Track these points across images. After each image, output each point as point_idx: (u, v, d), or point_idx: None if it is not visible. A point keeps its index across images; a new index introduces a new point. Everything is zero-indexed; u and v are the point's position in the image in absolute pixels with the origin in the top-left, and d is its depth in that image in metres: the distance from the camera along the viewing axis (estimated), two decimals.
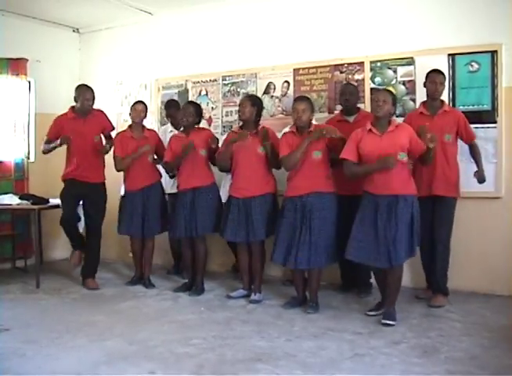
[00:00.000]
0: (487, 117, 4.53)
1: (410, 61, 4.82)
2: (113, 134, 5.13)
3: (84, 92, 4.83)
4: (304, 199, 4.06)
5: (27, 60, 5.99)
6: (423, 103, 4.33)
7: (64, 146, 4.85)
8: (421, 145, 3.78)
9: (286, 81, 5.41)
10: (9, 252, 5.86)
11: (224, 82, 5.77)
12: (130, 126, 4.97)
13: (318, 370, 3.00)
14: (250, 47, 5.59)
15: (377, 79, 4.98)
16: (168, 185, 5.17)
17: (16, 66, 5.92)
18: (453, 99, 4.64)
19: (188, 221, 4.61)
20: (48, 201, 5.28)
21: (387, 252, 3.69)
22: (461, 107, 4.57)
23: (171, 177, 5.07)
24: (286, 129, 4.33)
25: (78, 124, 4.80)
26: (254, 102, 4.47)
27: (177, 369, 3.03)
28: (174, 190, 5.06)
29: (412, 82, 4.79)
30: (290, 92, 5.38)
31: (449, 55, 4.65)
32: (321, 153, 4.08)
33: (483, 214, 4.52)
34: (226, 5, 5.71)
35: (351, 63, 5.08)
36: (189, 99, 5.86)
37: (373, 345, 3.36)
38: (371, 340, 3.46)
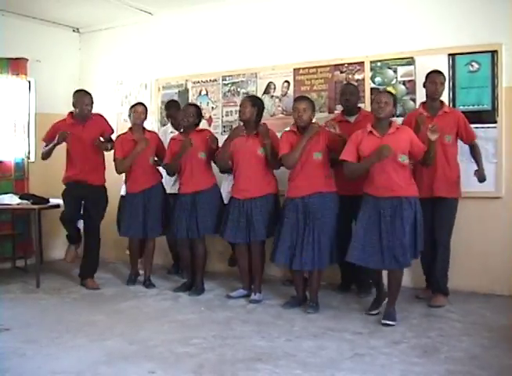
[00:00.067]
0: (487, 117, 4.53)
1: (410, 61, 4.82)
2: (114, 136, 5.13)
3: (82, 97, 4.82)
4: (306, 200, 4.06)
5: (27, 60, 5.99)
6: (423, 103, 4.32)
7: (63, 149, 4.85)
8: (422, 146, 3.78)
9: (287, 81, 5.42)
10: (9, 252, 5.87)
11: (224, 82, 5.77)
12: (130, 128, 4.96)
13: (318, 369, 3.00)
14: (250, 47, 5.59)
15: (377, 79, 4.98)
16: (168, 185, 5.17)
17: (16, 66, 5.92)
18: (453, 99, 4.64)
19: (189, 222, 4.61)
20: (48, 201, 5.28)
21: (392, 254, 3.69)
22: (461, 107, 4.58)
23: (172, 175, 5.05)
24: (287, 129, 4.33)
25: (78, 130, 4.79)
26: (255, 102, 4.47)
27: (177, 369, 3.03)
28: (174, 190, 5.07)
29: (413, 82, 4.79)
30: (291, 91, 5.38)
31: (449, 55, 4.65)
32: (321, 154, 4.08)
33: (483, 214, 4.52)
34: (226, 5, 5.71)
35: (351, 63, 5.08)
36: (189, 99, 5.89)
37: (373, 345, 3.36)
38: (371, 340, 3.46)
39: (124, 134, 4.99)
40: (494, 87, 4.51)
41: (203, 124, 5.12)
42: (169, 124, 5.51)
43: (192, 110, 4.70)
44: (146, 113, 4.96)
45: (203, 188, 4.64)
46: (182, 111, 4.80)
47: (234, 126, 4.59)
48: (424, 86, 4.29)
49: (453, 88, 4.64)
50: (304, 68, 5.32)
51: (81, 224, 5.07)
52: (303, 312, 4.09)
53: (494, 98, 4.51)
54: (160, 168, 5.04)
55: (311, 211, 4.04)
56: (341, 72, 5.13)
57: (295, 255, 4.04)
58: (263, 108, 4.58)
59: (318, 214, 4.03)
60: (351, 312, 4.08)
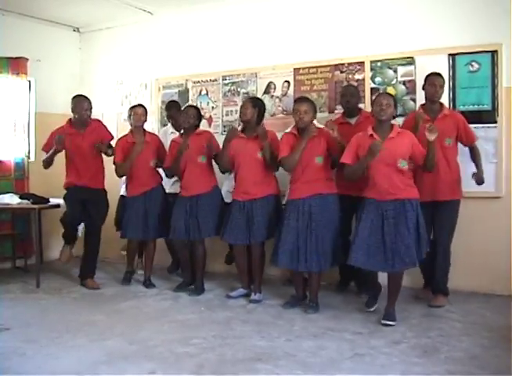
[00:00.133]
0: (487, 117, 4.53)
1: (410, 61, 4.82)
2: (114, 135, 5.14)
3: (81, 102, 4.81)
4: (307, 201, 4.06)
5: (27, 60, 5.98)
6: (422, 105, 4.31)
7: (68, 152, 4.85)
8: (422, 150, 3.76)
9: (287, 81, 5.41)
10: (9, 252, 5.87)
11: (224, 82, 5.77)
12: (131, 131, 4.95)
13: (318, 369, 3.00)
14: (250, 47, 5.59)
15: (378, 79, 4.98)
16: (168, 184, 5.16)
17: (16, 65, 5.91)
18: (453, 99, 4.64)
19: (189, 223, 4.61)
20: (48, 201, 5.28)
21: (398, 256, 3.68)
22: (461, 107, 4.58)
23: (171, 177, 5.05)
24: (287, 131, 4.32)
25: (77, 139, 4.79)
26: (256, 103, 4.46)
27: (177, 369, 3.03)
28: (174, 190, 5.07)
29: (413, 82, 4.79)
30: (291, 91, 5.38)
31: (450, 55, 4.65)
32: (323, 158, 4.07)
33: (483, 214, 4.52)
34: (226, 4, 5.71)
35: (351, 63, 5.08)
36: (189, 99, 5.89)
37: (373, 345, 3.36)
38: (371, 340, 3.46)
39: (124, 137, 4.98)
40: (494, 87, 4.51)
41: (203, 124, 5.12)
42: (169, 125, 5.51)
43: (193, 112, 4.70)
44: (146, 115, 4.95)
45: (204, 191, 4.64)
46: (182, 113, 4.79)
47: (234, 126, 4.58)
48: (423, 89, 4.27)
49: (453, 88, 4.64)
50: (304, 68, 5.31)
51: (80, 227, 5.07)
52: (303, 312, 4.09)
53: (494, 98, 4.51)
54: (160, 170, 5.03)
55: (312, 212, 4.03)
56: (341, 72, 5.13)
57: (299, 257, 4.02)
58: (264, 109, 4.57)
59: (319, 215, 4.02)
60: (351, 312, 4.08)
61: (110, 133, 5.10)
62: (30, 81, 6.14)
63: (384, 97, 3.83)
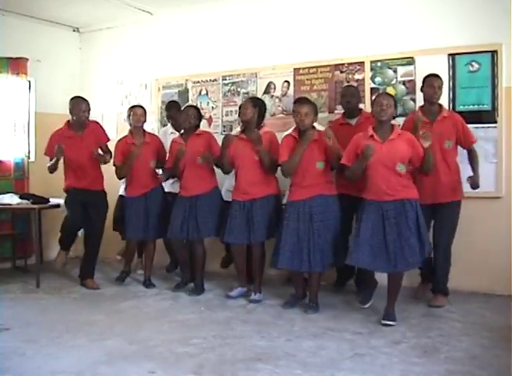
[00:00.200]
0: (487, 117, 4.53)
1: (410, 61, 4.82)
2: (112, 137, 5.13)
3: (79, 104, 4.80)
4: (308, 202, 4.05)
5: (27, 60, 5.99)
6: (421, 108, 4.29)
7: (66, 154, 4.82)
8: (421, 153, 3.75)
9: (287, 81, 5.41)
10: (9, 252, 5.87)
11: (224, 82, 5.77)
12: (131, 131, 4.94)
13: (318, 369, 3.00)
14: (250, 47, 5.59)
15: (378, 79, 4.98)
16: (167, 183, 5.16)
17: (16, 65, 5.92)
18: (453, 99, 4.64)
19: (188, 223, 4.60)
20: (48, 201, 5.29)
21: (401, 256, 3.68)
22: (461, 107, 4.58)
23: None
24: (287, 133, 4.32)
25: (76, 141, 4.79)
26: (256, 103, 4.45)
27: (177, 368, 3.02)
28: (173, 189, 5.07)
29: (413, 82, 4.79)
30: (291, 91, 5.38)
31: (449, 55, 4.65)
32: (323, 163, 4.05)
33: (483, 214, 4.52)
34: (226, 4, 5.71)
35: (351, 63, 5.08)
36: (189, 99, 5.89)
37: (373, 345, 3.36)
38: (371, 340, 3.46)
39: (123, 138, 4.98)
40: (494, 87, 4.51)
41: (203, 124, 5.12)
42: (169, 125, 5.50)
43: (193, 112, 4.70)
44: (146, 116, 4.94)
45: (203, 192, 4.63)
46: (182, 113, 4.77)
47: (229, 133, 4.59)
48: (421, 90, 4.26)
49: (453, 88, 4.64)
50: (304, 68, 5.31)
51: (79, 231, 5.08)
52: (303, 312, 4.09)
53: (494, 98, 4.51)
54: (159, 171, 5.03)
55: (314, 212, 4.03)
56: (341, 72, 5.13)
57: (302, 258, 4.01)
58: (265, 109, 4.56)
59: (321, 216, 4.02)
60: (351, 312, 4.07)
61: (107, 136, 5.07)
62: (30, 81, 6.14)
63: (384, 97, 3.82)
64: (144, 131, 4.98)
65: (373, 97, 4.35)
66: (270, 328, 3.72)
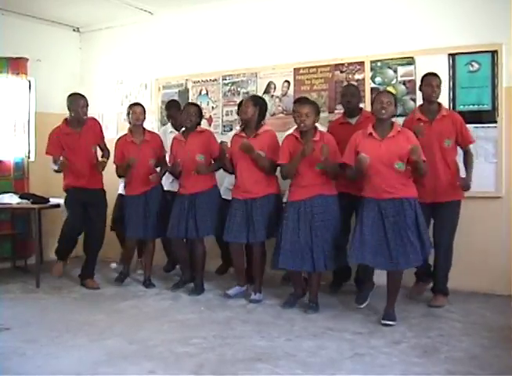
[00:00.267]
0: (487, 116, 4.53)
1: (410, 61, 4.82)
2: (112, 136, 5.13)
3: (77, 100, 4.79)
4: (309, 202, 4.04)
5: (27, 59, 5.98)
6: (420, 107, 4.28)
7: (65, 152, 4.80)
8: (419, 156, 3.72)
9: (287, 81, 5.41)
10: (8, 252, 5.87)
11: (224, 82, 5.77)
12: (130, 130, 4.94)
13: (318, 369, 3.00)
14: (250, 46, 5.59)
15: (378, 79, 4.98)
16: (166, 182, 5.16)
17: (16, 65, 5.92)
18: (453, 99, 4.64)
19: (187, 222, 4.59)
20: (48, 201, 5.28)
21: (403, 253, 3.68)
22: (461, 107, 4.58)
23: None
24: (289, 132, 4.31)
25: (74, 139, 4.78)
26: (257, 102, 4.43)
27: (177, 368, 3.02)
28: (172, 188, 5.06)
29: (413, 82, 4.78)
30: (291, 91, 5.38)
31: (450, 54, 4.65)
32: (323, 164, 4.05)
33: (483, 214, 4.52)
34: (226, 4, 5.71)
35: (351, 63, 5.08)
36: (190, 99, 5.87)
37: (373, 345, 3.36)
38: (371, 340, 3.46)
39: (123, 136, 4.98)
40: (494, 87, 4.51)
41: (203, 124, 5.11)
42: (169, 124, 5.50)
43: (194, 110, 4.68)
44: (145, 114, 4.93)
45: (202, 189, 4.62)
46: (183, 111, 4.75)
47: (224, 142, 4.59)
48: (420, 89, 4.26)
49: (453, 88, 4.64)
50: (304, 68, 5.32)
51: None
52: (303, 312, 4.08)
53: (494, 98, 4.51)
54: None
55: (314, 212, 4.02)
56: (341, 72, 5.13)
57: (304, 257, 4.01)
58: (266, 108, 4.52)
59: (321, 215, 4.01)
60: (351, 312, 4.07)
61: (102, 133, 5.07)
62: (30, 81, 6.14)
63: (384, 95, 3.81)
64: (144, 129, 4.97)
65: (374, 95, 4.34)
66: (270, 328, 3.72)
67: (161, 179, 5.02)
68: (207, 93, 5.88)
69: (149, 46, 6.26)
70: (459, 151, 4.26)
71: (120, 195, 5.41)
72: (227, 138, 4.87)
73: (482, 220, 4.52)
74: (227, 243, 4.60)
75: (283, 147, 4.20)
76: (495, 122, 4.51)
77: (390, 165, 3.72)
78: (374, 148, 3.74)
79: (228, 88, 5.76)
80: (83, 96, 4.85)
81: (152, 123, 5.97)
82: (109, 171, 4.98)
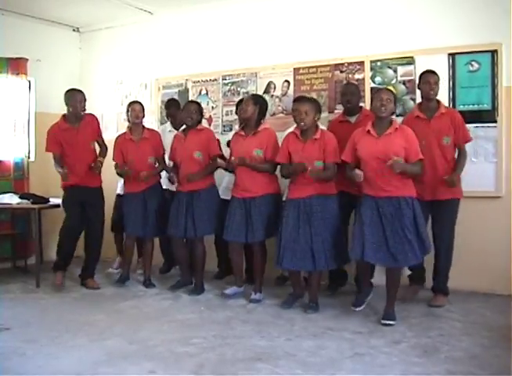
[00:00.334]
0: (487, 116, 4.53)
1: (410, 60, 4.82)
2: (111, 136, 5.13)
3: (74, 94, 4.79)
4: (308, 201, 4.04)
5: (27, 60, 5.99)
6: (419, 104, 4.28)
7: (63, 149, 4.81)
8: (415, 154, 3.72)
9: (287, 81, 5.41)
10: (8, 252, 5.86)
11: (224, 82, 5.77)
12: (129, 128, 4.94)
13: (318, 369, 3.00)
14: (250, 46, 5.59)
15: (377, 78, 4.98)
16: (165, 180, 5.16)
17: (16, 65, 5.92)
18: (453, 99, 4.64)
19: (185, 221, 4.58)
20: (48, 201, 5.28)
21: (401, 251, 3.68)
22: (461, 107, 4.58)
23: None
24: (290, 129, 4.31)
25: (72, 134, 4.77)
26: (257, 101, 4.42)
27: (177, 368, 3.02)
28: (170, 187, 5.06)
29: (413, 82, 4.78)
30: (291, 91, 5.38)
31: (449, 54, 4.65)
32: (322, 162, 4.03)
33: (483, 213, 4.52)
34: (226, 4, 5.71)
35: (351, 63, 5.08)
36: (190, 99, 5.85)
37: (373, 345, 3.36)
38: (371, 339, 3.46)
39: (122, 134, 4.99)
40: (494, 86, 4.51)
41: (203, 124, 5.11)
42: (168, 123, 5.50)
43: (195, 108, 4.67)
44: (144, 111, 4.93)
45: (200, 187, 4.60)
46: (184, 109, 4.74)
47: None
48: (418, 88, 4.25)
49: (453, 88, 4.64)
50: (304, 68, 5.32)
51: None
52: (303, 311, 4.08)
53: (494, 97, 4.51)
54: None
55: (314, 211, 4.02)
56: (341, 72, 5.13)
57: (305, 256, 4.00)
58: (266, 107, 4.50)
59: (321, 214, 4.01)
60: (351, 312, 4.05)
61: (100, 129, 5.07)
62: (30, 81, 6.14)
63: (384, 92, 3.80)
64: (143, 127, 4.97)
65: (373, 93, 4.33)
66: (270, 328, 3.72)
67: (160, 177, 5.02)
68: (206, 93, 5.88)
69: (149, 46, 6.26)
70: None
71: (118, 196, 5.40)
72: (227, 138, 4.89)
73: (482, 220, 4.52)
74: (225, 248, 4.61)
75: (282, 146, 4.20)
76: (495, 122, 4.51)
77: (386, 162, 3.70)
78: (371, 145, 3.75)
79: (228, 88, 5.76)
80: (80, 91, 4.85)
81: (152, 123, 5.96)
82: (108, 170, 4.97)
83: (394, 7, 4.91)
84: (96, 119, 5.04)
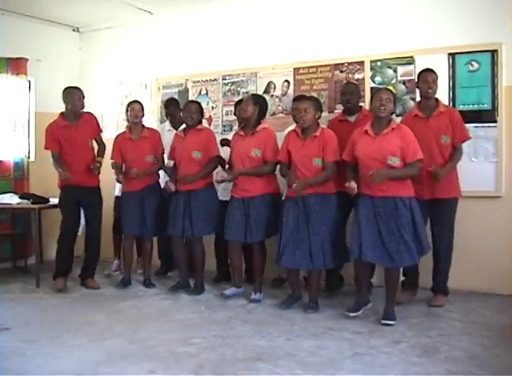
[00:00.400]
0: (487, 116, 4.53)
1: (410, 60, 4.82)
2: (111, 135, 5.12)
3: (73, 92, 4.79)
4: (307, 199, 4.03)
5: (27, 60, 5.99)
6: (418, 103, 4.27)
7: (62, 146, 4.80)
8: (412, 155, 3.70)
9: (287, 81, 5.41)
10: (8, 252, 5.86)
11: (224, 81, 5.77)
12: (129, 127, 4.93)
13: (318, 369, 3.00)
14: (250, 46, 5.59)
15: (377, 78, 4.98)
16: (163, 181, 5.14)
17: (16, 65, 5.92)
18: (453, 99, 4.64)
19: (183, 221, 4.57)
20: (48, 201, 5.27)
21: (396, 251, 3.67)
22: (461, 107, 4.57)
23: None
24: (291, 128, 4.31)
25: (71, 132, 4.76)
26: (257, 100, 4.41)
27: (177, 368, 3.02)
28: None
29: (413, 81, 4.77)
30: (291, 91, 5.38)
31: (449, 54, 4.65)
32: (321, 160, 4.03)
33: (483, 213, 4.52)
34: (226, 4, 5.71)
35: (351, 63, 5.08)
36: (190, 99, 5.85)
37: (373, 345, 3.36)
38: (371, 339, 3.46)
39: (121, 133, 4.99)
40: (494, 86, 4.51)
41: (203, 124, 5.11)
42: (167, 122, 5.50)
43: (195, 107, 4.66)
44: (143, 111, 4.93)
45: (198, 187, 4.59)
46: (184, 109, 4.72)
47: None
48: (417, 87, 4.25)
49: (453, 88, 4.64)
50: (304, 67, 5.32)
51: (81, 227, 5.05)
52: (303, 311, 4.08)
53: (494, 97, 4.51)
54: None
55: (312, 210, 4.01)
56: (341, 71, 5.13)
57: (303, 255, 4.00)
58: (266, 107, 4.49)
59: (319, 213, 4.00)
60: None
61: (100, 127, 5.08)
62: (30, 81, 6.14)
63: (383, 92, 3.79)
64: (143, 126, 4.96)
65: (372, 93, 4.32)
66: (270, 328, 3.72)
67: (158, 176, 5.02)
68: (206, 93, 5.88)
69: (149, 46, 6.26)
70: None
71: (116, 198, 5.39)
72: (227, 138, 4.89)
73: (482, 220, 4.52)
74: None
75: (283, 144, 4.21)
76: (495, 122, 4.50)
77: (382, 162, 3.70)
78: (368, 145, 3.75)
79: (228, 87, 5.76)
80: (79, 89, 4.85)
81: (152, 123, 5.96)
82: (107, 169, 4.97)
83: (394, 7, 4.90)
84: (95, 117, 5.04)
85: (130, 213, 4.87)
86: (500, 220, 4.48)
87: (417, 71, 4.64)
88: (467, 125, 4.25)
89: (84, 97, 4.83)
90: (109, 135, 5.47)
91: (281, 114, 5.42)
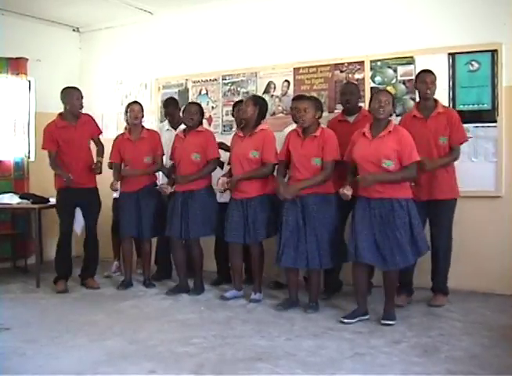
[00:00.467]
0: (487, 116, 4.53)
1: (410, 60, 4.82)
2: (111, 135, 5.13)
3: (72, 92, 4.79)
4: (305, 199, 4.03)
5: (26, 60, 6.00)
6: (417, 104, 4.27)
7: (60, 147, 4.80)
8: (408, 157, 3.68)
9: (287, 81, 5.41)
10: (8, 252, 5.87)
11: (224, 81, 5.77)
12: (129, 128, 4.92)
13: (318, 369, 3.00)
14: (250, 46, 5.59)
15: (377, 78, 4.98)
16: (162, 181, 5.14)
17: (16, 65, 5.93)
18: (453, 99, 4.64)
19: (181, 223, 4.56)
20: (48, 201, 5.27)
21: (391, 253, 3.66)
22: (461, 106, 4.58)
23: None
24: (292, 127, 4.31)
25: (69, 132, 4.76)
26: (257, 101, 4.41)
27: (177, 368, 3.02)
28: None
29: (413, 81, 4.74)
30: (291, 91, 5.38)
31: (449, 54, 4.65)
32: (320, 159, 4.03)
33: (483, 213, 4.52)
34: (226, 4, 5.71)
35: (351, 63, 5.08)
36: (189, 99, 5.86)
37: (373, 345, 3.36)
38: (371, 339, 3.46)
39: (121, 135, 4.98)
40: (494, 86, 4.51)
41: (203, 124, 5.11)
42: (166, 122, 5.49)
43: (196, 109, 4.65)
44: (143, 112, 4.92)
45: (195, 188, 4.57)
46: (185, 110, 4.70)
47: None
48: (416, 87, 4.24)
49: (453, 88, 4.64)
50: (304, 67, 5.32)
51: (80, 226, 5.04)
52: (303, 311, 4.08)
53: (494, 97, 4.51)
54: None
55: (311, 210, 4.01)
56: (341, 71, 5.13)
57: (301, 255, 3.99)
58: (266, 108, 4.49)
59: (318, 213, 4.00)
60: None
61: (99, 128, 5.08)
62: (30, 81, 6.15)
63: (383, 94, 3.79)
64: (142, 127, 4.96)
65: (372, 94, 4.32)
66: (270, 328, 3.72)
67: (156, 177, 5.02)
68: (206, 93, 5.88)
69: (149, 46, 6.26)
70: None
71: (115, 200, 5.38)
72: (228, 138, 4.88)
73: (482, 220, 4.52)
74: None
75: (284, 143, 4.21)
76: (495, 121, 4.50)
77: (378, 164, 3.70)
78: (364, 147, 3.75)
79: (228, 87, 5.76)
80: (77, 89, 4.85)
81: (152, 123, 5.96)
82: (105, 170, 4.96)
83: (394, 7, 4.90)
84: (93, 118, 5.04)
85: (126, 214, 4.86)
86: (500, 220, 4.48)
87: (417, 71, 4.65)
88: (467, 125, 4.26)
89: (82, 97, 4.83)
90: (109, 136, 5.48)
91: (281, 114, 5.42)
